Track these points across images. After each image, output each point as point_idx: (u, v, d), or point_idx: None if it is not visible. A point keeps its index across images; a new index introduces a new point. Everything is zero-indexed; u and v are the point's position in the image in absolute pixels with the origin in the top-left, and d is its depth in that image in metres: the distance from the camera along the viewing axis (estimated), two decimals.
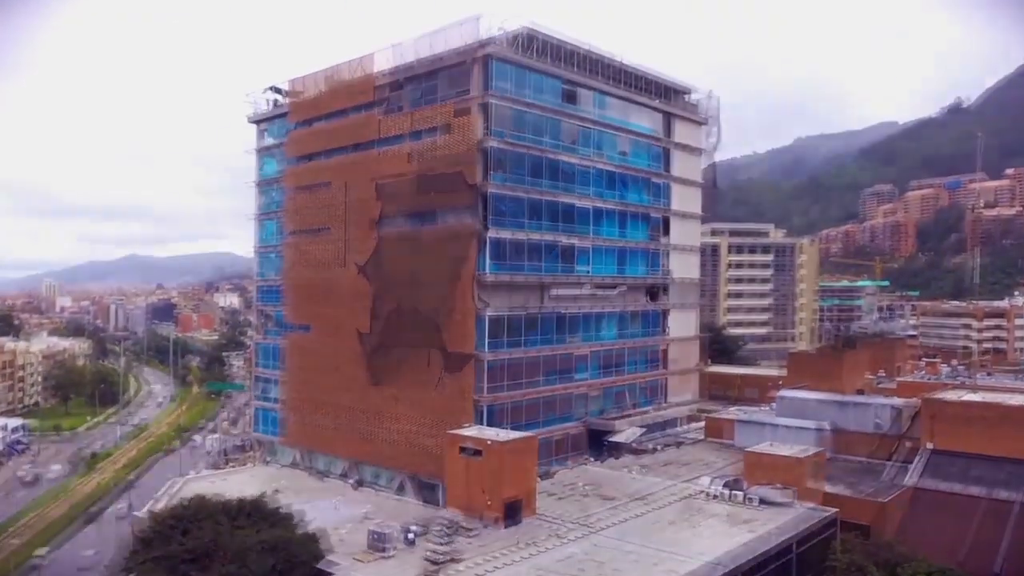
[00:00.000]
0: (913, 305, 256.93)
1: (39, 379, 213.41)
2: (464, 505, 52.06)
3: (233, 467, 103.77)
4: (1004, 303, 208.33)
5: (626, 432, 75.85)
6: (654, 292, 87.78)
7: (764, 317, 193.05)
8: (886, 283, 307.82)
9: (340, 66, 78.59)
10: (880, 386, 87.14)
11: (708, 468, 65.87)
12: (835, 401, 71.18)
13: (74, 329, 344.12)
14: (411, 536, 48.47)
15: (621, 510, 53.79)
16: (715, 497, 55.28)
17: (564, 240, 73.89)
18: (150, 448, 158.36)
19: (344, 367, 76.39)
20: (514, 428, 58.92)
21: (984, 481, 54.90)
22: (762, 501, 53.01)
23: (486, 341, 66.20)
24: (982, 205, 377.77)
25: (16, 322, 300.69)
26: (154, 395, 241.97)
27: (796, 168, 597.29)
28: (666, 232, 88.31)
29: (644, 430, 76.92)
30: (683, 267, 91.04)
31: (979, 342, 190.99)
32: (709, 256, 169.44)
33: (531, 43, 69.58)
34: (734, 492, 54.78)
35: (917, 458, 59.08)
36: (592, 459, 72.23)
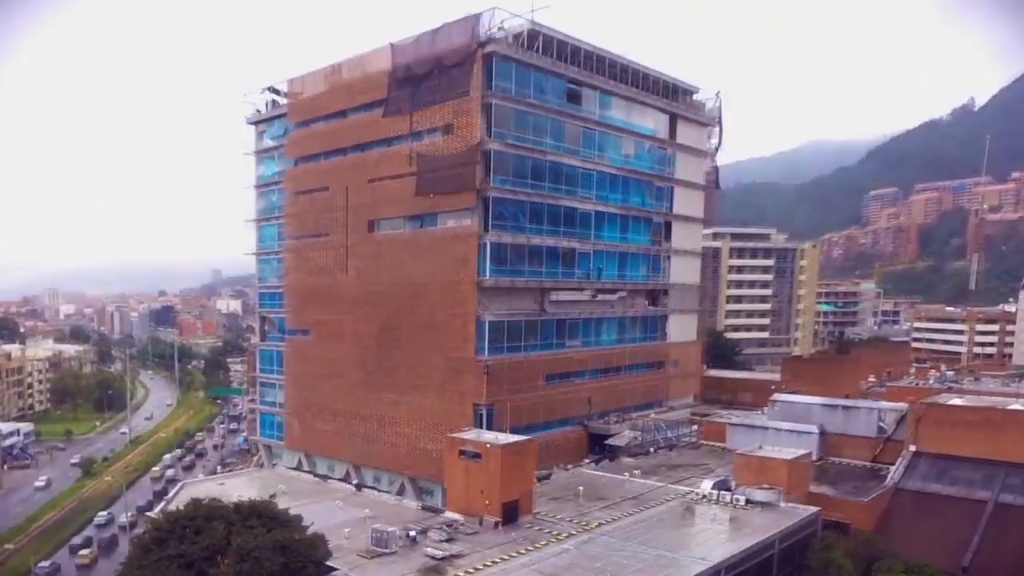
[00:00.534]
0: (914, 310, 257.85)
1: (46, 385, 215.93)
2: (464, 507, 53.78)
3: (230, 471, 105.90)
4: (999, 309, 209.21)
5: (624, 436, 77.43)
6: (655, 296, 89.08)
7: (763, 322, 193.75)
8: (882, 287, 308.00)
9: (339, 66, 78.67)
10: (870, 391, 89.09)
11: (702, 471, 67.75)
12: (826, 405, 72.99)
13: (76, 335, 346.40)
14: (412, 535, 50.32)
15: (615, 511, 55.55)
16: (705, 498, 57.22)
17: (565, 244, 74.40)
18: (158, 452, 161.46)
19: (345, 371, 78.01)
20: (514, 432, 59.88)
21: (962, 482, 57.26)
22: (749, 501, 54.91)
23: (486, 345, 67.26)
24: (986, 209, 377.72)
25: (21, 329, 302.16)
26: (157, 400, 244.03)
27: (801, 170, 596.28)
28: (668, 236, 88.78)
29: (641, 433, 78.52)
30: (684, 271, 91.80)
31: (972, 348, 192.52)
32: (711, 260, 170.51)
33: (534, 41, 68.68)
34: (722, 493, 56.84)
35: (899, 459, 61.28)
36: (591, 462, 73.85)
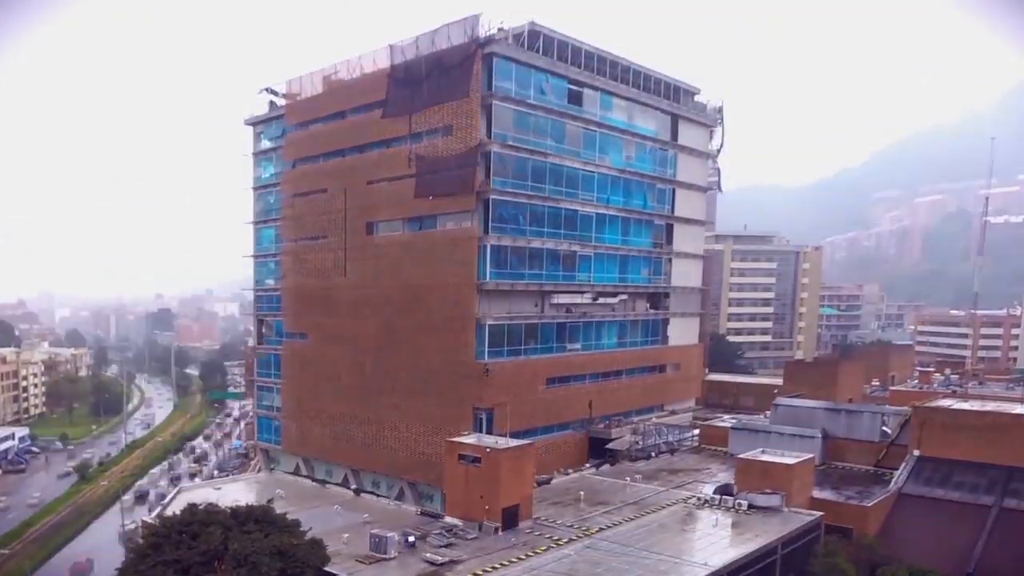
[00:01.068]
0: (918, 314, 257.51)
1: (42, 389, 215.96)
2: (463, 511, 53.66)
3: (227, 475, 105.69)
4: (1003, 312, 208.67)
5: (624, 440, 77.25)
6: (656, 299, 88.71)
7: (765, 325, 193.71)
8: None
9: (338, 66, 78.20)
10: (873, 395, 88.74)
11: (702, 475, 67.57)
12: (828, 409, 72.68)
13: (72, 338, 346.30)
14: (411, 540, 50.10)
15: (616, 516, 55.33)
16: (707, 503, 56.94)
17: (566, 246, 73.98)
18: (154, 457, 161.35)
19: (343, 375, 77.74)
20: (514, 436, 59.35)
21: (966, 487, 56.98)
22: (751, 506, 54.66)
23: (486, 349, 66.84)
24: (990, 212, 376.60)
25: (16, 332, 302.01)
26: (155, 405, 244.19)
27: (805, 173, 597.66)
28: (669, 238, 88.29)
29: (643, 438, 78.17)
30: (686, 274, 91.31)
31: (976, 351, 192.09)
32: (713, 263, 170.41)
33: (534, 42, 67.72)
34: (724, 498, 56.51)
35: (903, 464, 60.91)
36: (591, 467, 73.61)
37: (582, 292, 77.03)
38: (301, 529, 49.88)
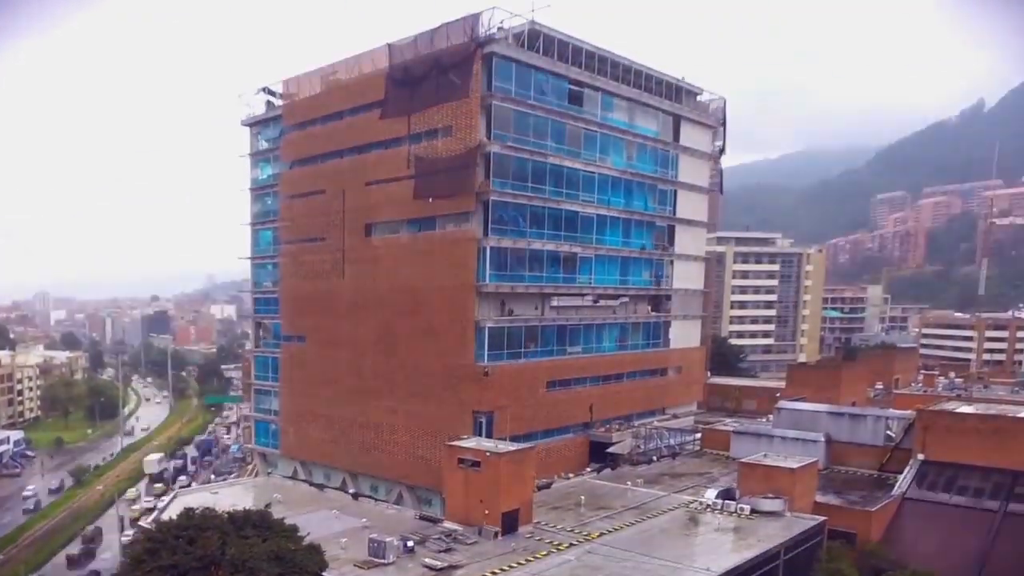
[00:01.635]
0: (922, 316, 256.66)
1: (37, 393, 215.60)
2: (462, 516, 53.10)
3: (224, 479, 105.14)
4: (1008, 315, 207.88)
5: (625, 444, 76.74)
6: (657, 302, 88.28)
7: (768, 328, 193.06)
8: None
9: (336, 66, 78.05)
10: (877, 398, 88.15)
11: (706, 479, 66.94)
12: (831, 413, 72.12)
13: (68, 341, 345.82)
14: (409, 545, 49.65)
15: (616, 520, 54.75)
16: (709, 507, 56.37)
17: (566, 249, 73.74)
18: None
19: (342, 378, 77.49)
20: (514, 440, 59.30)
21: (971, 491, 56.33)
22: (754, 511, 54.14)
23: (485, 352, 66.65)
24: (995, 213, 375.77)
25: (11, 335, 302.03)
26: (152, 408, 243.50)
27: (807, 173, 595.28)
28: (671, 240, 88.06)
29: (644, 441, 77.75)
30: (688, 276, 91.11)
31: (981, 354, 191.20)
32: (715, 265, 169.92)
33: (534, 41, 67.79)
34: (727, 502, 55.97)
35: (907, 468, 60.30)
36: (592, 471, 73.14)
37: (583, 294, 76.66)
38: (299, 534, 49.38)
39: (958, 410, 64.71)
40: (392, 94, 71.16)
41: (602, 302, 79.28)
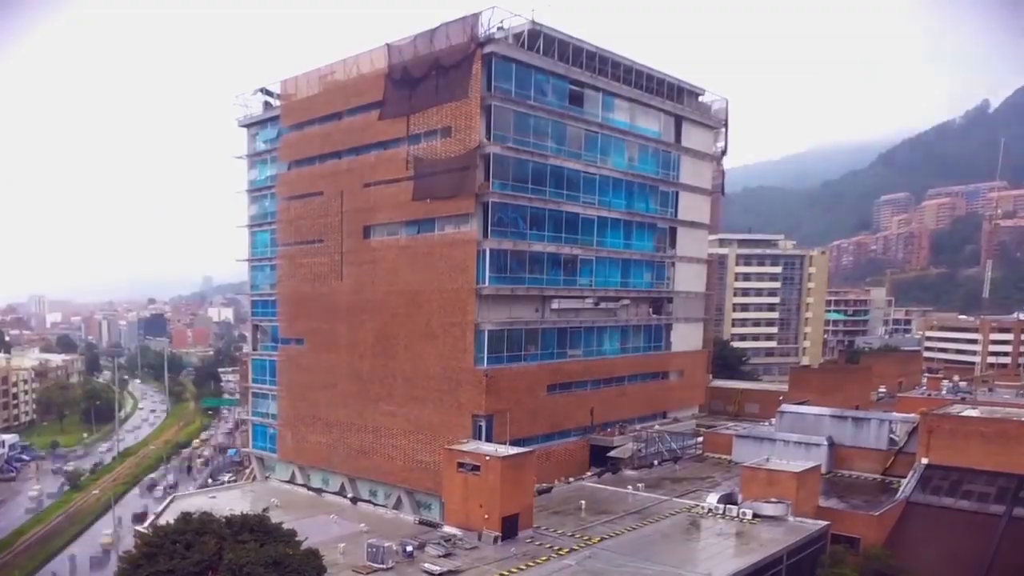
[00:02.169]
0: (926, 319, 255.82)
1: (32, 396, 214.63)
2: (462, 521, 52.76)
3: (221, 483, 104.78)
4: (1013, 317, 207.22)
5: (627, 448, 76.27)
6: (659, 304, 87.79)
7: (771, 330, 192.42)
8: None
9: (334, 66, 77.52)
10: (881, 401, 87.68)
11: (707, 484, 66.53)
12: (834, 416, 71.71)
13: (64, 344, 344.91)
14: (409, 550, 49.27)
15: (617, 525, 54.41)
16: (710, 512, 55.97)
17: (567, 251, 73.25)
18: (147, 466, 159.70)
19: (340, 382, 77.11)
20: (513, 444, 58.31)
21: (976, 495, 55.85)
22: (756, 515, 53.72)
23: (485, 355, 66.21)
24: (1000, 215, 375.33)
25: (7, 338, 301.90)
26: (148, 412, 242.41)
27: (809, 175, 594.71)
28: (672, 242, 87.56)
29: (645, 445, 77.27)
30: (689, 279, 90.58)
31: (986, 357, 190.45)
32: (717, 267, 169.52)
33: (535, 41, 67.09)
34: (729, 507, 55.51)
35: (911, 472, 59.81)
36: (592, 475, 72.66)
37: (583, 297, 76.14)
38: (297, 539, 49.14)
39: (962, 413, 64.44)
40: (391, 94, 70.65)
41: (603, 304, 78.81)
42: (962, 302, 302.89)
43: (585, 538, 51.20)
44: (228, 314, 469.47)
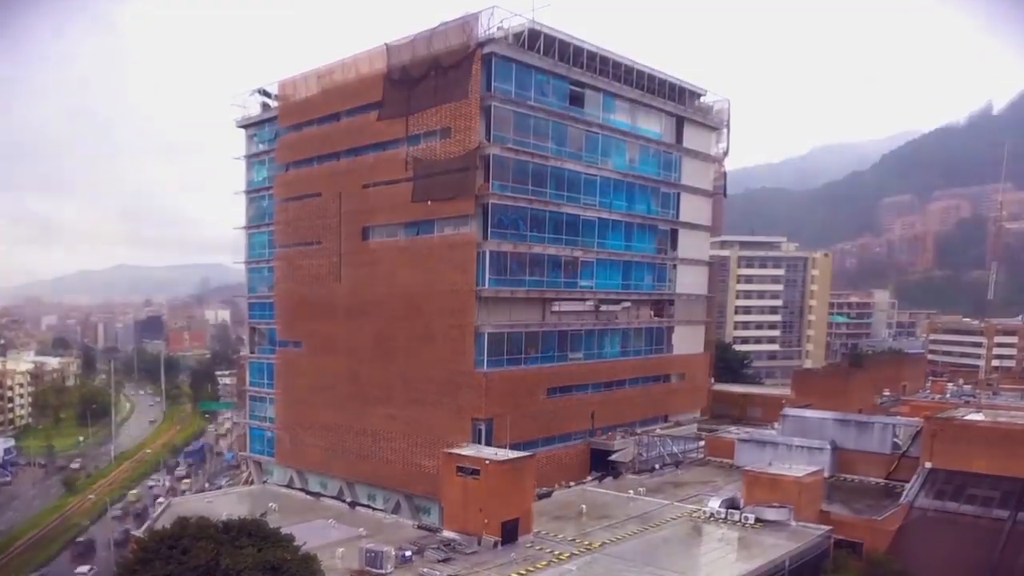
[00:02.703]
0: (931, 322, 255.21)
1: (28, 399, 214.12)
2: (461, 526, 52.34)
3: (219, 487, 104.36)
4: (1018, 320, 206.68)
5: (628, 452, 75.82)
6: (660, 307, 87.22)
7: (773, 333, 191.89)
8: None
9: (332, 67, 77.12)
10: (885, 405, 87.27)
11: (709, 488, 66.12)
12: (838, 420, 71.38)
13: (59, 346, 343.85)
14: (407, 555, 48.86)
15: (619, 530, 54.06)
16: (712, 517, 55.58)
17: (567, 253, 72.78)
18: (143, 471, 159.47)
19: (338, 385, 76.67)
20: (513, 447, 58.39)
21: (980, 500, 55.48)
22: (758, 520, 53.40)
23: (485, 358, 65.73)
24: (1005, 217, 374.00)
25: (1, 340, 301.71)
26: (144, 414, 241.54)
27: (812, 177, 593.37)
28: (674, 244, 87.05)
29: (646, 450, 76.78)
30: (691, 281, 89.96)
31: (990, 360, 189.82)
32: (719, 269, 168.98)
33: (535, 42, 66.48)
34: (731, 511, 55.09)
35: (915, 477, 59.39)
36: (593, 479, 72.17)
37: (584, 299, 75.71)
38: (294, 544, 48.80)
39: (967, 417, 64.23)
40: (390, 95, 70.20)
41: (604, 307, 78.29)
42: (967, 305, 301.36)
43: (586, 543, 50.87)
44: (225, 316, 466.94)
